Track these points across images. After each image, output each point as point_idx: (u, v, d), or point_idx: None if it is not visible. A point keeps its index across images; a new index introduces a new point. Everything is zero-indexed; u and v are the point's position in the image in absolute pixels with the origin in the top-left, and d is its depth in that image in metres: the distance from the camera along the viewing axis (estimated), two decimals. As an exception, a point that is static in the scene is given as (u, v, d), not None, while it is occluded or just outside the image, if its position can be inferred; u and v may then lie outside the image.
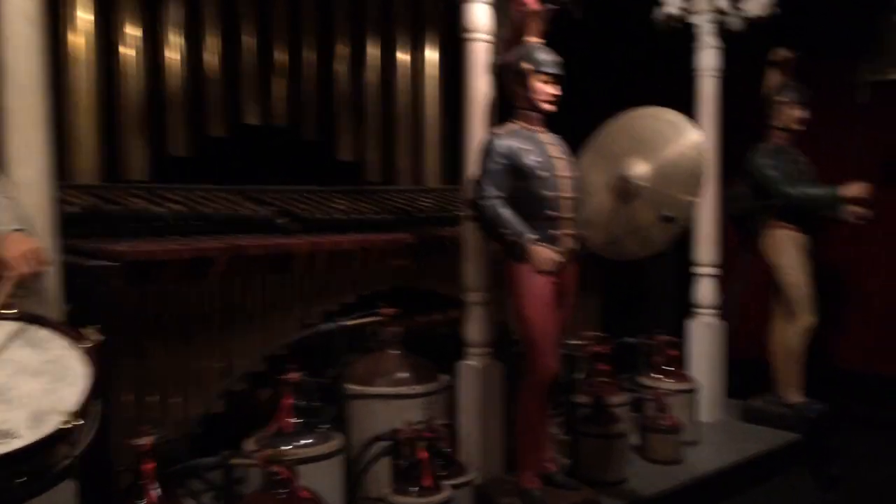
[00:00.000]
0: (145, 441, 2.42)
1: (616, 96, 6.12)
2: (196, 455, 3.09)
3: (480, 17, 3.39)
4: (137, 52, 4.11)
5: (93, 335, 1.95)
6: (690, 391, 4.15)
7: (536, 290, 3.09)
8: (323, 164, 4.99)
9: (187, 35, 4.32)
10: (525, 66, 3.13)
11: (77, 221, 3.21)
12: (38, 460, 1.72)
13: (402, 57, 5.27)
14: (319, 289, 3.56)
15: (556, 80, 3.14)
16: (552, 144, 3.23)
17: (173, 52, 4.25)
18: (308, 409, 2.98)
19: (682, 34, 4.57)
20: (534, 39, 3.21)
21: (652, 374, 4.17)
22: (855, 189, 4.23)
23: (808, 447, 4.29)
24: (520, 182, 3.12)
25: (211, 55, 4.42)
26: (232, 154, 4.54)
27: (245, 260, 3.17)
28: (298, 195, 4.25)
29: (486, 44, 3.41)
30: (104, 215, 3.27)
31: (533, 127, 3.21)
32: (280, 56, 4.71)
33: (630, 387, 4.19)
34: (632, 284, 5.08)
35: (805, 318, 4.40)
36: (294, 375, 3.00)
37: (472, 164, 3.29)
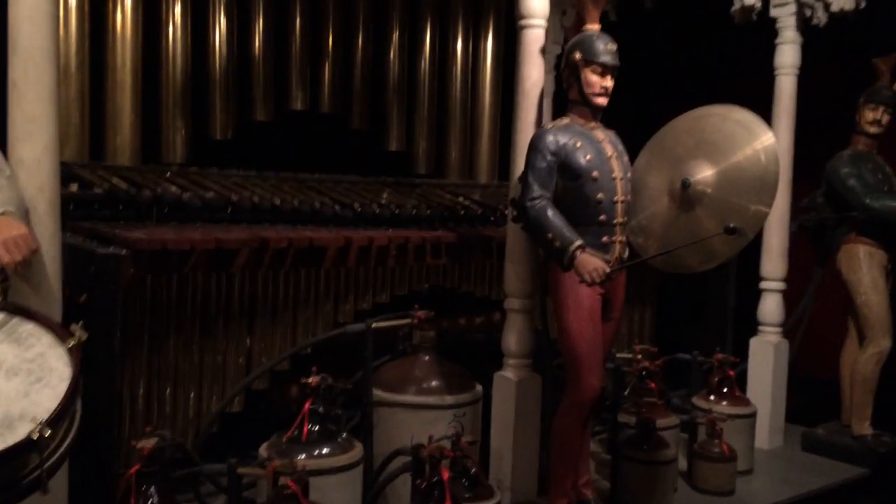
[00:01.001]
0: (145, 444, 2.26)
1: (689, 93, 5.80)
2: (210, 456, 2.96)
3: (536, 1, 3.13)
4: (180, 31, 3.97)
5: (79, 332, 1.77)
6: (748, 416, 3.82)
7: (582, 302, 2.84)
8: (371, 154, 4.81)
9: (234, 15, 4.18)
10: (576, 55, 2.87)
11: (102, 204, 3.09)
12: (3, 471, 1.56)
13: (459, 44, 5.04)
14: (351, 286, 3.36)
15: (609, 71, 2.86)
16: (608, 142, 2.96)
17: (219, 32, 4.11)
18: (327, 415, 2.78)
19: (762, 28, 4.22)
20: (592, 27, 2.94)
21: (706, 396, 3.85)
22: (945, 204, 3.83)
23: (876, 484, 3.91)
24: (569, 182, 2.87)
25: (258, 37, 4.26)
26: (276, 140, 4.40)
27: (270, 252, 2.98)
28: (340, 185, 4.07)
29: (540, 30, 3.16)
30: (129, 199, 3.13)
31: (587, 122, 2.95)
32: (331, 40, 4.53)
33: (682, 408, 3.90)
34: (690, 296, 4.74)
35: (880, 343, 4.00)
36: (314, 379, 2.82)
37: (521, 161, 3.04)
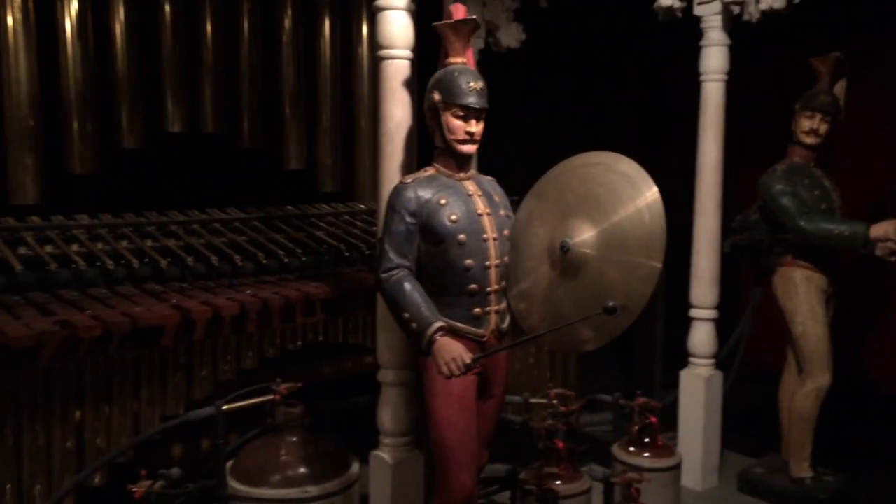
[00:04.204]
0: None
1: (610, 107, 5.34)
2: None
3: (397, 29, 2.67)
4: (23, 54, 3.47)
5: None
6: (671, 468, 3.45)
7: (452, 387, 2.43)
8: (267, 175, 4.35)
9: (88, 32, 3.67)
10: (435, 97, 2.43)
11: None
12: None
13: (364, 44, 4.53)
14: (206, 356, 2.94)
15: (474, 114, 2.42)
16: (480, 196, 2.53)
17: (69, 52, 3.60)
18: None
19: (688, 29, 3.76)
20: (455, 60, 2.48)
21: (627, 446, 3.48)
22: (888, 228, 3.40)
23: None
24: (432, 247, 2.45)
25: (120, 51, 3.76)
26: (149, 171, 3.93)
27: (86, 343, 2.53)
28: (209, 226, 3.60)
29: (404, 62, 2.71)
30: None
31: (454, 173, 2.52)
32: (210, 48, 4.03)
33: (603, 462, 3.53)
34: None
35: (818, 378, 3.61)
36: (141, 486, 2.43)
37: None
